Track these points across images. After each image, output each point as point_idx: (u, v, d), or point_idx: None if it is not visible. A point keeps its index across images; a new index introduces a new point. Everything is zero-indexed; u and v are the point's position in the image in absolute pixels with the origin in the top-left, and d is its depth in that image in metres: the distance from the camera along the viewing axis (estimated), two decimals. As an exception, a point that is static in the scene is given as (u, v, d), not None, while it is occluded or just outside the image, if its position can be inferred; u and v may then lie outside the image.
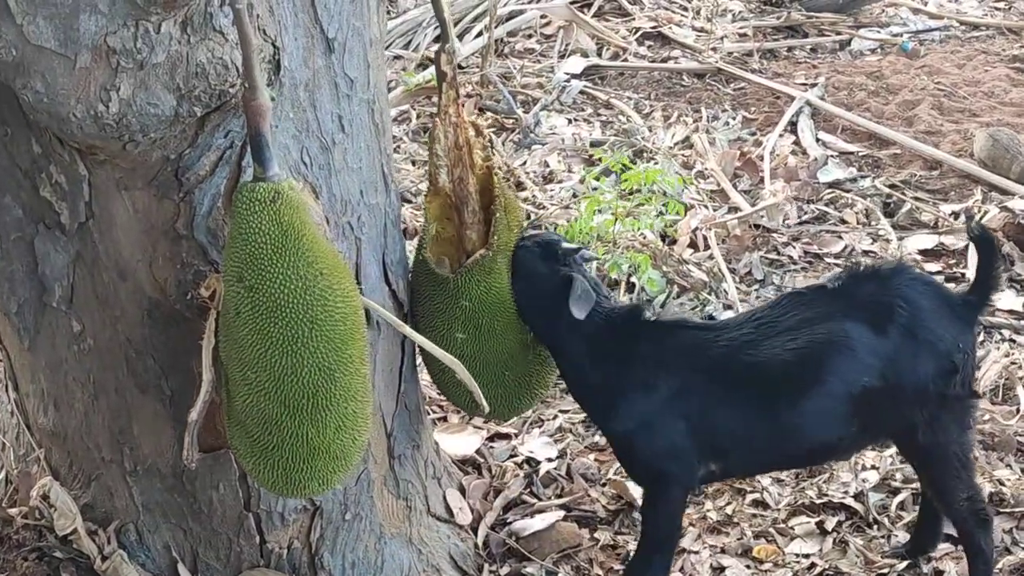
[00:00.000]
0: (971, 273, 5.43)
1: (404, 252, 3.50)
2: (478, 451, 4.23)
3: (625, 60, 8.30)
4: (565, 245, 3.49)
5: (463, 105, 3.45)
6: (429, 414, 4.04)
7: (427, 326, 3.40)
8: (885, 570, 3.81)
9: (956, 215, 6.14)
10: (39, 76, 2.62)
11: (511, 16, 8.51)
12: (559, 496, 4.11)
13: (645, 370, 3.41)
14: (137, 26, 2.59)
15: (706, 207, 6.00)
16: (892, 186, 6.49)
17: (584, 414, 4.49)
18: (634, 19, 8.79)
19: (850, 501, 4.10)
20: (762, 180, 6.48)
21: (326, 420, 2.77)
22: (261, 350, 2.68)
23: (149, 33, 2.61)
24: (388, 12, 8.23)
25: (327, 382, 2.73)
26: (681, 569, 3.79)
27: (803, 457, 3.67)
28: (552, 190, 6.28)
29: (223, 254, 2.84)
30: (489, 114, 7.24)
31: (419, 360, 3.66)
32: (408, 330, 3.13)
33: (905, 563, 3.81)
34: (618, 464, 4.23)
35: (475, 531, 3.85)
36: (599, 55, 8.31)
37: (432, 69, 7.34)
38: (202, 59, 2.69)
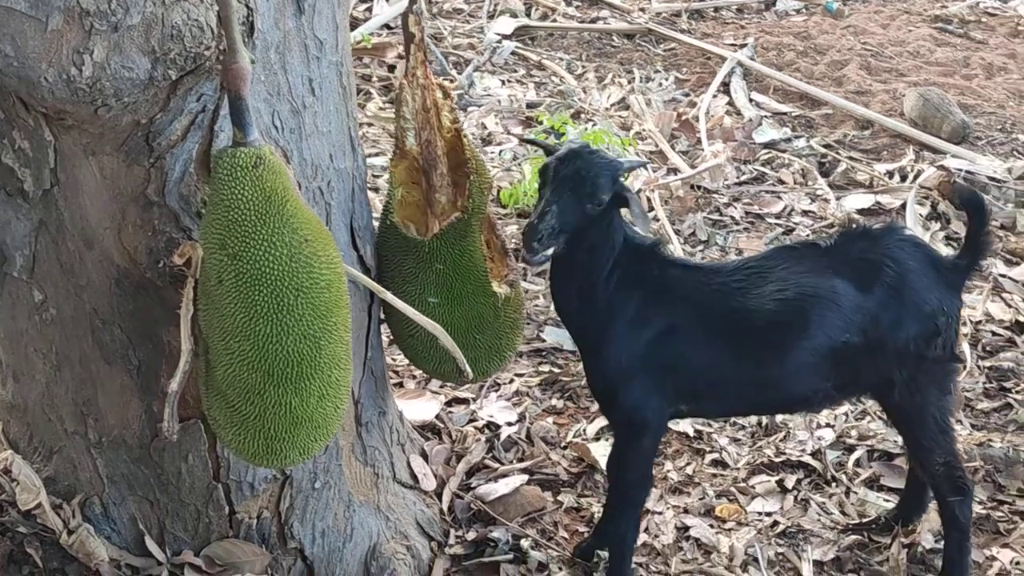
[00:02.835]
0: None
1: (371, 217, 3.45)
2: (437, 416, 4.21)
3: (554, 20, 8.28)
4: (628, 160, 3.44)
5: (427, 66, 3.40)
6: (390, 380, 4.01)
7: (397, 291, 3.34)
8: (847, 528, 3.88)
9: (891, 174, 6.21)
10: (8, 39, 2.52)
11: (439, -25, 8.44)
12: (521, 460, 4.10)
13: (647, 302, 3.38)
14: (111, -14, 2.51)
15: (646, 169, 6.00)
16: (827, 146, 6.57)
17: (540, 378, 4.50)
18: (562, -21, 8.79)
19: (808, 459, 4.16)
20: (699, 141, 6.51)
21: (310, 389, 2.72)
22: (245, 319, 2.62)
23: (124, -7, 2.53)
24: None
25: (312, 350, 2.68)
26: (646, 530, 3.80)
27: (777, 405, 3.69)
28: (491, 152, 6.24)
29: (201, 221, 2.77)
30: (422, 76, 7.16)
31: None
32: (390, 296, 3.07)
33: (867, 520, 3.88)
34: (578, 426, 4.25)
35: (439, 497, 3.83)
36: (528, 15, 8.28)
37: (362, 28, 7.28)
38: (177, 21, 2.61)
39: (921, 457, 3.51)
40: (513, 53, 7.66)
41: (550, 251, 3.26)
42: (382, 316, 3.54)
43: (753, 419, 4.31)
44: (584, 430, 4.24)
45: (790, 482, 4.05)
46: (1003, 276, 5.27)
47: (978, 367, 4.67)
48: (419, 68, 3.33)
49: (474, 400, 4.39)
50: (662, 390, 3.39)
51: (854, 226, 3.52)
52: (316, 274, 2.65)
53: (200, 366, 2.83)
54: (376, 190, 5.41)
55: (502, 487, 3.90)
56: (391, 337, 3.62)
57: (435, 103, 3.35)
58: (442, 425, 4.17)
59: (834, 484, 4.06)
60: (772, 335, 3.33)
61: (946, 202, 5.82)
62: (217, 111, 2.82)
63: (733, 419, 4.29)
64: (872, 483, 4.08)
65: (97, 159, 2.86)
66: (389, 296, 3.06)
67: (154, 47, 2.60)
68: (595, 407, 4.25)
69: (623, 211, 3.35)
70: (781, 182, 6.16)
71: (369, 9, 7.73)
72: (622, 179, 3.32)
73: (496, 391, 4.45)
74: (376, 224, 3.47)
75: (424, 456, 3.90)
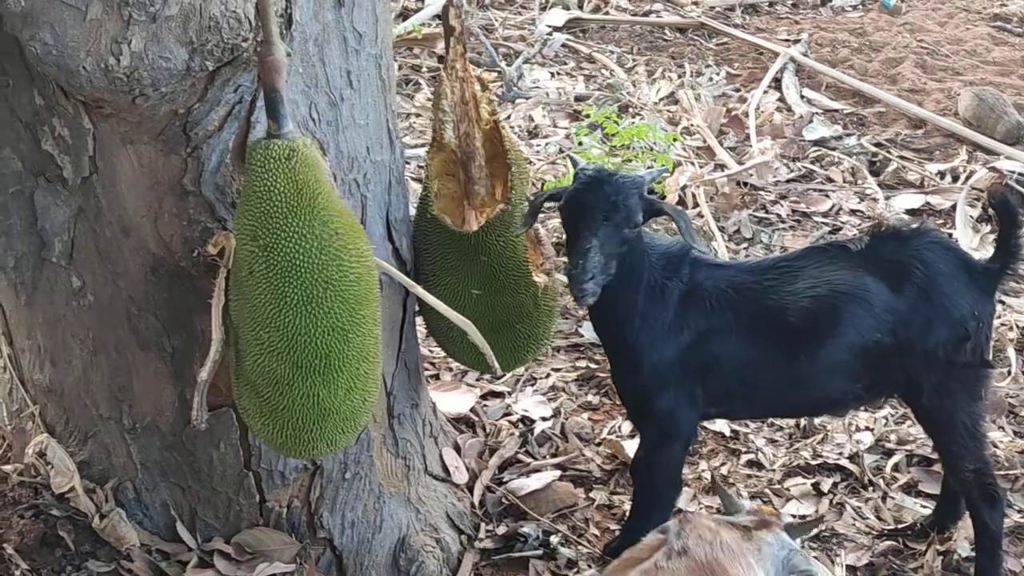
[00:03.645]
0: (958, 233, 5.45)
1: (408, 210, 3.46)
2: (472, 409, 4.21)
3: (606, 13, 8.24)
4: (650, 172, 3.39)
5: (466, 59, 3.40)
6: (424, 372, 4.01)
7: (439, 284, 3.36)
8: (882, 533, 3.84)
9: (942, 175, 6.14)
10: (48, 27, 2.55)
11: (492, -33, 8.43)
12: (554, 455, 4.10)
13: (680, 306, 3.35)
14: (150, -23, 2.53)
15: (693, 164, 5.98)
16: (878, 144, 6.50)
17: (576, 373, 4.50)
18: (615, -28, 8.74)
19: (845, 462, 4.12)
20: (748, 137, 6.47)
21: (338, 381, 2.73)
22: (275, 310, 2.63)
23: (162, -15, 2.54)
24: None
25: (341, 343, 2.68)
26: (678, 530, 3.78)
27: (806, 406, 3.66)
28: (538, 145, 6.23)
29: (235, 212, 2.79)
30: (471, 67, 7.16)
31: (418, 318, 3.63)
32: (420, 290, 3.08)
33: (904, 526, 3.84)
34: (613, 423, 4.24)
35: (471, 490, 3.83)
36: (580, 7, 8.25)
37: (412, 19, 7.29)
38: (215, 12, 2.62)
39: (951, 463, 3.47)
40: (564, 45, 7.64)
41: (601, 287, 3.19)
42: (417, 309, 3.54)
43: (791, 421, 4.28)
44: (619, 427, 4.23)
45: (826, 485, 4.02)
46: (1053, 281, 5.20)
47: (1023, 373, 4.61)
48: (458, 61, 3.33)
49: (509, 394, 4.38)
50: (694, 396, 3.38)
51: (883, 227, 3.48)
52: (346, 267, 2.66)
53: (231, 355, 2.85)
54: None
55: (534, 482, 3.90)
56: (428, 329, 3.62)
57: (474, 96, 3.36)
58: (476, 418, 4.18)
59: (871, 488, 4.02)
60: (804, 333, 3.30)
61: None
62: (254, 102, 2.84)
63: (770, 420, 4.26)
64: (910, 488, 4.05)
65: (135, 148, 2.88)
66: (420, 290, 3.07)
67: (192, 38, 2.62)
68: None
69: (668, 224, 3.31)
70: (830, 180, 6.11)
71: (420, 0, 7.75)
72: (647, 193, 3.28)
73: (532, 385, 4.45)
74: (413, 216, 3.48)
75: (457, 449, 3.90)
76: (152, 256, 3.01)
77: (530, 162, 5.95)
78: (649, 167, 5.61)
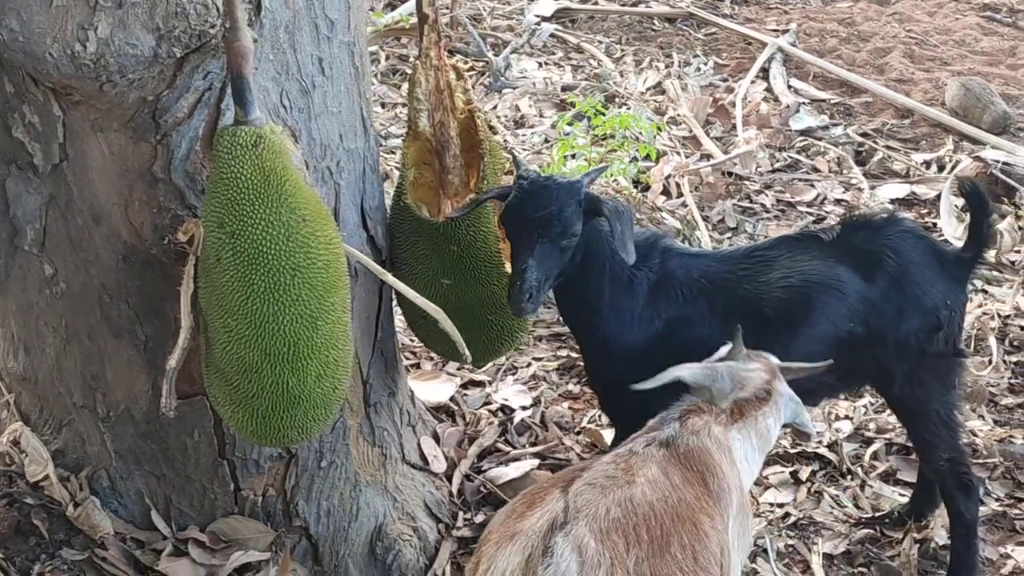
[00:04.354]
0: (942, 223, 5.45)
1: (383, 198, 3.45)
2: (452, 398, 4.20)
3: (595, 3, 8.23)
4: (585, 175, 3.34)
5: (440, 47, 3.39)
6: (403, 361, 4.00)
7: (411, 272, 3.35)
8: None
9: (928, 165, 6.14)
10: (14, 14, 2.54)
11: (481, -44, 8.42)
12: (533, 444, 4.09)
13: (651, 295, 3.34)
14: (116, -37, 2.52)
15: (678, 154, 5.98)
16: (864, 134, 6.50)
17: (558, 362, 4.49)
18: (605, -38, 8.73)
19: (824, 451, 4.12)
20: (734, 127, 6.46)
21: (307, 368, 2.73)
22: (242, 297, 2.63)
23: (128, -30, 2.54)
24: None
25: (309, 330, 2.68)
26: (656, 518, 3.77)
27: None
28: (523, 135, 6.22)
29: (203, 199, 2.78)
30: (459, 57, 7.16)
31: (395, 306, 3.63)
32: (390, 278, 3.07)
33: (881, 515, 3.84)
34: (593, 412, 4.23)
35: (449, 479, 3.83)
36: (569, -2, 8.24)
37: (400, 9, 7.27)
38: (182, -2, 2.62)
39: (925, 452, 3.47)
40: (552, 35, 7.63)
41: (540, 304, 3.20)
42: (396, 299, 3.54)
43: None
44: (598, 416, 4.22)
45: (804, 474, 4.02)
46: (1037, 270, 5.20)
47: (1004, 362, 4.61)
48: (432, 49, 3.32)
49: (490, 383, 4.38)
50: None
51: (856, 216, 3.48)
52: (314, 254, 2.65)
53: (202, 343, 2.85)
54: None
55: (513, 471, 3.89)
56: (405, 319, 3.62)
57: (448, 84, 3.35)
58: (456, 407, 4.17)
59: (849, 477, 4.02)
60: (777, 323, 3.29)
61: (983, 194, 5.73)
62: (224, 89, 2.82)
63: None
64: (888, 477, 4.05)
65: (105, 135, 2.87)
66: (389, 278, 3.06)
67: (158, 24, 2.61)
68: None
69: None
70: (815, 170, 6.10)
71: (409, -11, 7.75)
72: (586, 193, 3.23)
73: (513, 374, 4.45)
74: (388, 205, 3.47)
75: (436, 438, 3.90)
76: (123, 244, 3.00)
77: (513, 152, 5.95)
78: (633, 157, 5.61)
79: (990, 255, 5.09)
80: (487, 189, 3.28)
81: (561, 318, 3.54)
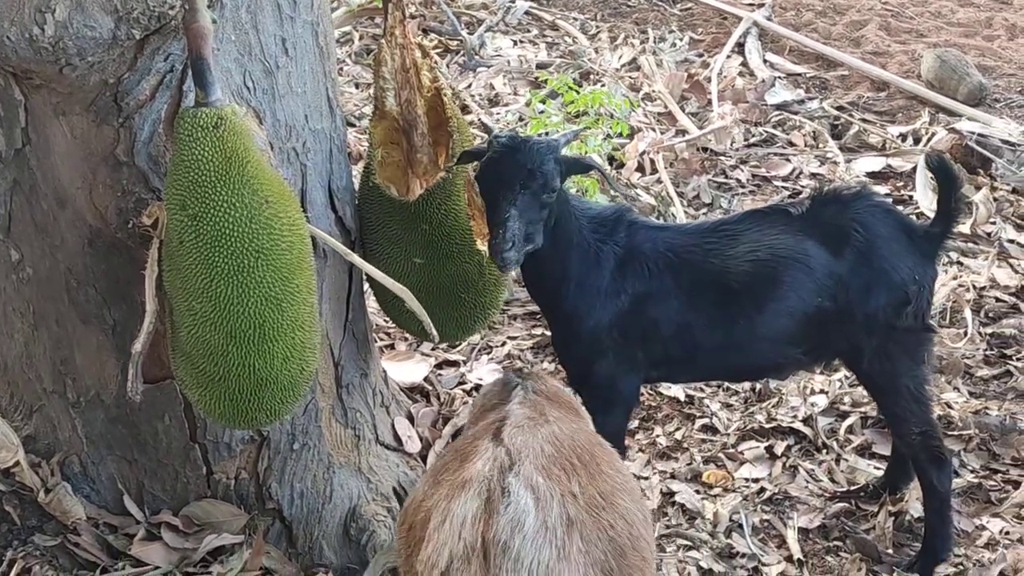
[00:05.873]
0: (918, 195, 5.45)
1: (351, 178, 3.43)
2: (426, 379, 4.19)
3: (571, -20, 8.20)
4: (563, 135, 3.36)
5: (408, 26, 3.37)
6: (376, 342, 3.99)
7: (381, 253, 3.34)
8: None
9: (904, 137, 6.14)
10: (-31, -2, 2.52)
11: (454, -66, 8.38)
12: (508, 423, 4.08)
13: (617, 270, 3.33)
14: (72, -56, 2.50)
15: (653, 130, 5.96)
16: (840, 108, 6.49)
17: (532, 341, 4.48)
18: (580, -62, 8.69)
19: (799, 425, 4.12)
20: (710, 102, 6.45)
21: (273, 351, 2.72)
22: (206, 280, 2.62)
23: (84, -48, 2.52)
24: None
25: (274, 312, 2.67)
26: (631, 495, 3.77)
27: (746, 370, 3.62)
28: (498, 113, 6.20)
29: (165, 181, 2.76)
30: (433, 35, 7.14)
31: (367, 287, 3.61)
32: (356, 258, 3.06)
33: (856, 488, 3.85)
34: (567, 390, 4.21)
35: (424, 459, 3.81)
36: (545, -26, 8.20)
37: (375, -11, 7.22)
38: (140, -20, 2.59)
39: (897, 427, 3.47)
40: (527, 13, 7.61)
41: (523, 255, 3.18)
42: (367, 279, 3.52)
43: (747, 385, 4.28)
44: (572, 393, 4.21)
45: (780, 448, 4.02)
46: (1011, 242, 5.20)
47: (979, 333, 4.61)
48: (397, 27, 3.29)
49: (464, 363, 4.37)
50: (635, 361, 3.36)
51: (824, 190, 3.47)
52: (277, 236, 2.64)
53: (168, 326, 2.83)
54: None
55: (487, 450, 3.87)
56: (376, 299, 3.60)
57: (415, 63, 3.32)
58: (430, 387, 4.16)
59: (825, 451, 4.03)
60: (744, 297, 3.29)
61: (958, 165, 5.72)
62: (186, 71, 2.81)
63: (726, 385, 4.25)
64: (864, 451, 4.05)
65: (67, 119, 2.85)
66: (355, 258, 3.05)
67: (117, 6, 2.59)
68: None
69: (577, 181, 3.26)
70: (791, 144, 6.09)
71: (383, -32, 7.68)
72: (563, 153, 3.23)
73: (487, 353, 4.44)
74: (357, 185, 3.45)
75: (410, 418, 3.89)
76: (89, 228, 2.98)
77: (484, 121, 5.92)
78: (607, 135, 5.59)
79: (961, 228, 5.11)
80: (465, 150, 3.25)
81: (529, 294, 3.53)
